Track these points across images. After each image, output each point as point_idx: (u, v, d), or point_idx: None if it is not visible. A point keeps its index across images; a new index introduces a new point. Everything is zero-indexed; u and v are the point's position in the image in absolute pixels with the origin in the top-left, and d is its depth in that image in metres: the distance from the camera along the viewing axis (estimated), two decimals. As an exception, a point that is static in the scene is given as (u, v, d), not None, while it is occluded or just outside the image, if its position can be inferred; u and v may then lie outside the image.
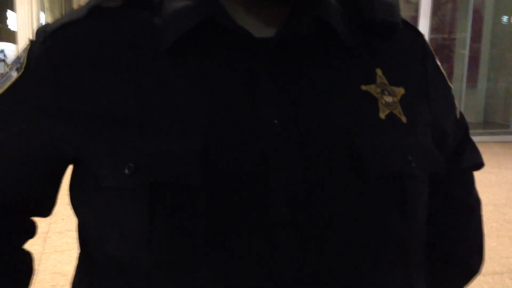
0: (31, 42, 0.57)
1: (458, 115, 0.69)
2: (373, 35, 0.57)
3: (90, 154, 0.52)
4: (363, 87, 0.55)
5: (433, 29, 7.06)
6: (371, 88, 0.55)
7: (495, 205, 4.10)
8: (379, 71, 0.57)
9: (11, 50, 6.56)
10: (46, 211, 0.65)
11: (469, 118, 8.02)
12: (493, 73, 8.04)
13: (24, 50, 0.58)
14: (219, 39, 0.53)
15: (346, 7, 0.58)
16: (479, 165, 0.72)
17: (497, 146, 6.54)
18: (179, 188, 0.49)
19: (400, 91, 0.57)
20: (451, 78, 7.46)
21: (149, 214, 0.49)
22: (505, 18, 7.88)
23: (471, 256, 0.73)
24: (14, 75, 0.56)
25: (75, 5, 6.98)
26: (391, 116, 0.55)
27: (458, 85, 7.24)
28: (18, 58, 0.58)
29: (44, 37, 0.55)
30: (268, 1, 0.54)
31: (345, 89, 0.54)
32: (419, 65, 0.62)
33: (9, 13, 6.12)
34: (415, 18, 6.82)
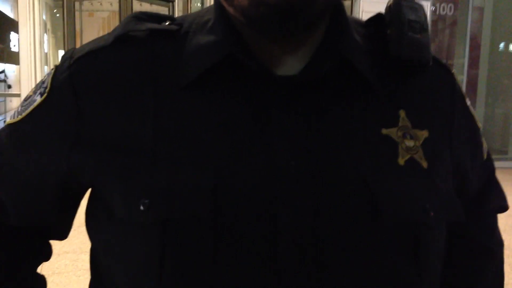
0: (56, 67, 0.57)
1: (485, 156, 0.67)
2: (400, 72, 0.56)
3: (105, 185, 0.52)
4: (384, 131, 0.54)
5: (431, 55, 7.12)
6: (392, 132, 0.54)
7: (494, 231, 4.07)
8: (402, 113, 0.55)
9: (12, 71, 6.61)
10: (62, 234, 0.65)
11: (467, 144, 7.99)
12: (491, 99, 8.09)
13: (48, 75, 0.58)
14: (239, 75, 0.52)
15: (372, 43, 0.57)
16: (504, 207, 0.71)
17: (496, 172, 6.51)
18: (190, 225, 0.49)
19: (424, 134, 0.56)
20: (449, 103, 7.48)
21: (161, 250, 0.49)
22: (502, 45, 7.96)
23: None
24: (38, 99, 0.56)
25: (78, 27, 7.05)
26: (411, 161, 0.53)
27: (456, 111, 7.26)
28: (42, 83, 0.58)
29: (69, 63, 0.56)
30: (293, 37, 0.53)
31: (365, 132, 0.53)
32: (446, 105, 0.60)
33: (12, 35, 6.20)
34: (413, 44, 6.88)
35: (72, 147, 0.54)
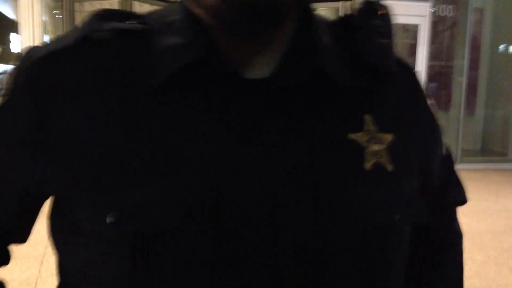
0: (18, 67, 0.54)
1: (444, 152, 0.69)
2: (368, 77, 0.56)
3: (70, 197, 0.50)
4: (351, 136, 0.54)
5: (431, 56, 7.13)
6: (359, 136, 0.54)
7: (493, 233, 4.08)
8: (369, 117, 0.55)
9: (13, 72, 6.60)
10: (23, 239, 0.61)
11: (467, 146, 8.03)
12: (491, 100, 8.09)
13: (9, 75, 0.54)
14: (211, 78, 0.51)
15: (341, 45, 0.56)
16: (462, 201, 0.72)
17: (495, 174, 6.54)
18: (161, 240, 0.47)
19: (389, 137, 0.56)
20: (449, 105, 7.50)
21: (131, 264, 0.47)
22: (502, 47, 7.96)
23: None
24: None
25: (77, 29, 7.03)
26: (376, 166, 0.54)
27: (456, 112, 7.28)
28: (1, 83, 0.54)
29: (30, 64, 0.52)
30: (263, 35, 0.52)
31: (333, 138, 0.53)
32: (411, 107, 0.61)
33: (12, 36, 6.21)
34: (413, 45, 6.89)
35: (33, 157, 0.51)
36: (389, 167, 0.55)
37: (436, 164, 0.66)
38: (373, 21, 0.57)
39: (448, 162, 0.70)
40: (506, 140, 7.64)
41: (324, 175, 0.51)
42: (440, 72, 7.87)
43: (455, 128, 7.16)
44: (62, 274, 0.58)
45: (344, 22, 0.59)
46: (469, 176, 6.45)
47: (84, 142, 0.49)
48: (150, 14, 0.57)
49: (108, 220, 0.47)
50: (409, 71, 0.63)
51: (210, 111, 0.50)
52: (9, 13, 6.26)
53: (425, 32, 6.74)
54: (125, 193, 0.47)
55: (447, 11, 7.29)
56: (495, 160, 7.20)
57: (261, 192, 0.49)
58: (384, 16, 0.58)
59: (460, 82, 7.33)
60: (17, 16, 6.01)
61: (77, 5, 6.76)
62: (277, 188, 0.49)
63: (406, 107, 0.60)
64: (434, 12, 7.02)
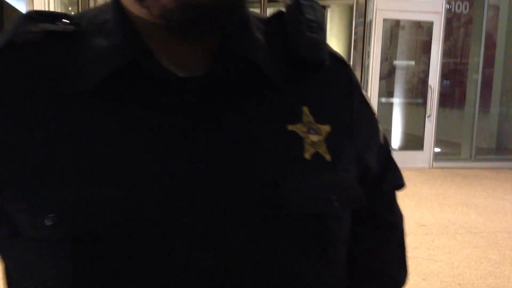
0: None
1: (382, 140, 0.71)
2: (301, 71, 0.57)
3: (6, 202, 0.49)
4: (290, 127, 0.54)
5: (446, 53, 7.08)
6: (297, 127, 0.55)
7: (509, 232, 4.05)
8: (306, 109, 0.56)
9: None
10: None
11: (482, 144, 7.97)
12: (506, 98, 8.01)
13: None
14: (143, 80, 0.50)
15: (274, 40, 0.57)
16: (400, 186, 0.75)
17: (510, 172, 6.46)
18: (100, 240, 0.47)
19: (326, 128, 0.57)
20: (463, 103, 7.44)
21: (72, 268, 0.47)
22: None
23: (396, 270, 0.75)
24: None
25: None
26: (316, 155, 0.55)
27: (470, 110, 7.22)
28: None
29: None
30: (197, 37, 0.52)
31: (271, 129, 0.54)
32: (345, 98, 0.62)
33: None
34: (428, 42, 6.85)
35: None
36: (328, 157, 0.56)
37: (373, 153, 0.68)
38: (303, 16, 0.58)
39: (385, 150, 0.72)
40: (522, 138, 7.57)
41: (261, 165, 0.52)
42: (455, 69, 7.82)
43: (469, 126, 7.10)
44: (8, 282, 0.57)
45: (277, 18, 0.60)
46: (483, 174, 6.39)
47: (17, 146, 0.49)
48: (84, 14, 0.57)
49: (47, 222, 0.47)
50: (343, 64, 0.65)
51: (135, 113, 0.50)
52: (24, 10, 6.32)
53: (439, 29, 6.69)
54: (61, 194, 0.47)
55: (462, 8, 7.23)
56: (510, 159, 7.13)
57: (168, 197, 0.48)
58: (315, 10, 0.59)
59: (475, 79, 7.26)
60: (32, 13, 6.07)
61: (92, 2, 6.81)
62: (191, 190, 0.49)
63: (340, 99, 0.61)
64: (449, 9, 6.96)
